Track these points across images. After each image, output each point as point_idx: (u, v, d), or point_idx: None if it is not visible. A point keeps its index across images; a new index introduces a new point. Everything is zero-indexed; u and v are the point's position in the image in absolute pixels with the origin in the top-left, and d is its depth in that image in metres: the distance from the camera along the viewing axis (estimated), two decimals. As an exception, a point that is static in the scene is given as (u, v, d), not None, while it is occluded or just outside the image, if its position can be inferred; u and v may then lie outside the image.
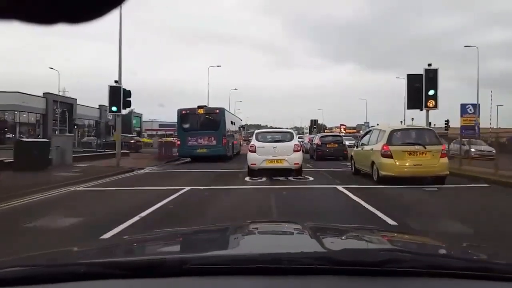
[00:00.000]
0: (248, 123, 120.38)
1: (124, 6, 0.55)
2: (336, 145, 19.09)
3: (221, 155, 17.81)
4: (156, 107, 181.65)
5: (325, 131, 59.37)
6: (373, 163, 9.64)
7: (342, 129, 66.82)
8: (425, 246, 1.62)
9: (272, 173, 11.25)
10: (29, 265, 1.12)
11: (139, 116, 74.28)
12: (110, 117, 60.45)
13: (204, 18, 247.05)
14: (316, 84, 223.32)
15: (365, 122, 65.76)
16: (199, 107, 18.71)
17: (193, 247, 1.55)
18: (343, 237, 1.69)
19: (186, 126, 18.16)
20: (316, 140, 20.17)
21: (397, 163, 8.93)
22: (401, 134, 9.66)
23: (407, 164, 8.94)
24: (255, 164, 11.18)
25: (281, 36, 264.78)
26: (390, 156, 9.03)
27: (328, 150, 18.93)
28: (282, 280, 0.97)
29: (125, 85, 14.65)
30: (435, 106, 12.76)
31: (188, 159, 18.85)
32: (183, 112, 18.51)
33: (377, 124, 18.87)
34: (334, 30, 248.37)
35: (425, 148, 8.98)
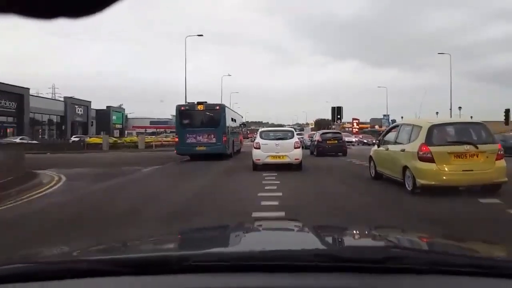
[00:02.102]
0: (250, 120, 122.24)
1: (125, 5, 0.57)
2: (336, 142, 20.87)
3: (221, 153, 17.73)
4: (156, 106, 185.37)
5: (332, 127, 57.83)
6: (405, 168, 7.91)
7: (355, 124, 63.49)
8: (426, 243, 1.63)
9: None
10: (30, 262, 1.19)
11: (121, 112, 67.50)
12: (80, 112, 53.78)
13: (205, 18, 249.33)
14: (319, 82, 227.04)
15: (384, 115, 58.91)
16: (199, 103, 18.71)
17: (194, 245, 1.63)
18: (344, 235, 1.75)
19: (185, 122, 18.45)
20: (317, 137, 21.83)
21: (441, 169, 7.24)
22: (444, 130, 7.92)
23: (453, 169, 7.23)
24: (259, 160, 12.95)
25: (283, 34, 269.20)
26: (431, 160, 7.30)
27: (328, 146, 20.60)
28: (283, 277, 1.01)
29: (125, 84, 12.84)
30: None
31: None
32: (182, 108, 18.80)
33: (402, 118, 18.11)
34: (337, 28, 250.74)
35: (477, 148, 7.27)
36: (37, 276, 1.03)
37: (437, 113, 46.84)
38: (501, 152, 7.52)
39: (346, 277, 1.01)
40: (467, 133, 7.78)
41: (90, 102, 57.83)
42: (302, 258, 1.07)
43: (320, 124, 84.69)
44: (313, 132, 37.39)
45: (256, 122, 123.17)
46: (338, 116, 38.03)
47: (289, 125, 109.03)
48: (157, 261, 1.10)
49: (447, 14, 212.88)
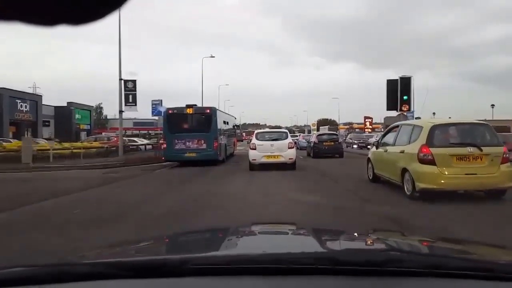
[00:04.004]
0: (247, 122, 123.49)
1: (124, 6, 0.57)
2: (333, 143, 21.78)
3: (212, 160, 17.32)
4: (143, 107, 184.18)
5: (339, 127, 55.83)
6: (404, 170, 7.75)
7: (368, 124, 56.71)
8: (425, 246, 1.69)
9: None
10: (31, 265, 1.19)
11: (88, 110, 56.70)
12: (25, 109, 42.66)
13: (203, 18, 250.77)
14: (317, 83, 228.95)
15: (408, 112, 55.72)
16: (188, 106, 18.20)
17: (194, 248, 1.68)
18: (344, 238, 1.84)
19: (173, 127, 17.73)
20: (313, 138, 22.85)
21: (442, 172, 7.06)
22: (446, 131, 7.74)
23: (455, 173, 7.05)
24: (255, 160, 14.04)
25: (279, 36, 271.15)
26: (432, 162, 7.12)
27: (325, 148, 21.41)
28: (283, 280, 1.05)
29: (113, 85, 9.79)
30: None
31: None
32: (170, 111, 18.22)
33: (434, 115, 17.89)
34: (335, 29, 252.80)
35: (481, 150, 7.09)
36: (37, 280, 1.06)
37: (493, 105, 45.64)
38: (507, 155, 7.34)
39: (346, 280, 1.05)
40: (470, 134, 7.60)
41: (41, 96, 47.28)
42: (302, 261, 1.10)
43: (323, 124, 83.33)
44: (306, 134, 37.98)
45: (253, 124, 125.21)
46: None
47: (286, 126, 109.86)
48: (157, 264, 1.14)
49: (445, 15, 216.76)
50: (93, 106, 59.29)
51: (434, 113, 38.29)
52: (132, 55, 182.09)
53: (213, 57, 41.14)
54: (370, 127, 54.30)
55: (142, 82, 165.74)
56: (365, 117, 61.16)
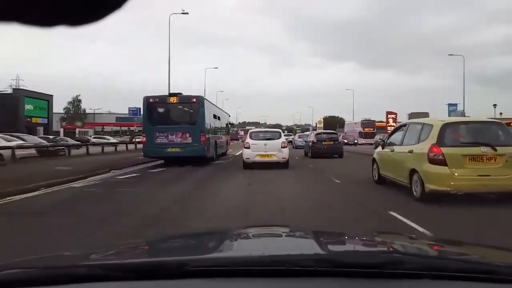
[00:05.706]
0: (247, 121, 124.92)
1: (124, 6, 0.58)
2: (332, 143, 21.40)
3: (199, 156, 15.88)
4: (126, 102, 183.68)
5: (375, 124, 51.12)
6: (413, 171, 7.50)
7: (391, 121, 49.98)
8: (425, 248, 1.73)
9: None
10: (29, 267, 1.22)
11: (46, 100, 43.51)
12: None
13: (203, 18, 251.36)
14: (318, 82, 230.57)
15: (450, 105, 44.39)
16: (171, 94, 16.85)
17: (193, 250, 1.71)
18: (343, 240, 1.89)
19: (154, 118, 16.21)
20: (312, 138, 22.35)
21: (453, 173, 6.81)
22: (458, 129, 7.50)
23: (468, 174, 6.80)
24: (249, 159, 14.49)
25: (280, 35, 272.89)
26: (443, 162, 6.87)
27: (324, 147, 21.00)
28: (282, 282, 1.06)
29: (123, 85, 10.27)
30: None
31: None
32: (151, 100, 16.39)
33: (495, 107, 18.08)
34: (335, 29, 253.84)
35: (495, 150, 6.83)
36: (37, 282, 1.08)
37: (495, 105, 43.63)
38: None
39: (345, 282, 1.06)
40: (484, 134, 7.36)
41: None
42: (301, 263, 1.11)
43: (329, 122, 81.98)
44: (302, 133, 38.00)
45: (253, 122, 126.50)
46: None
47: (287, 125, 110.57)
48: (156, 266, 1.16)
49: (444, 15, 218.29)
50: (52, 95, 46.17)
51: (494, 105, 36.56)
52: (132, 55, 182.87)
53: (186, 13, 32.06)
54: (394, 124, 45.64)
55: (142, 81, 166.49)
56: (388, 113, 54.00)
